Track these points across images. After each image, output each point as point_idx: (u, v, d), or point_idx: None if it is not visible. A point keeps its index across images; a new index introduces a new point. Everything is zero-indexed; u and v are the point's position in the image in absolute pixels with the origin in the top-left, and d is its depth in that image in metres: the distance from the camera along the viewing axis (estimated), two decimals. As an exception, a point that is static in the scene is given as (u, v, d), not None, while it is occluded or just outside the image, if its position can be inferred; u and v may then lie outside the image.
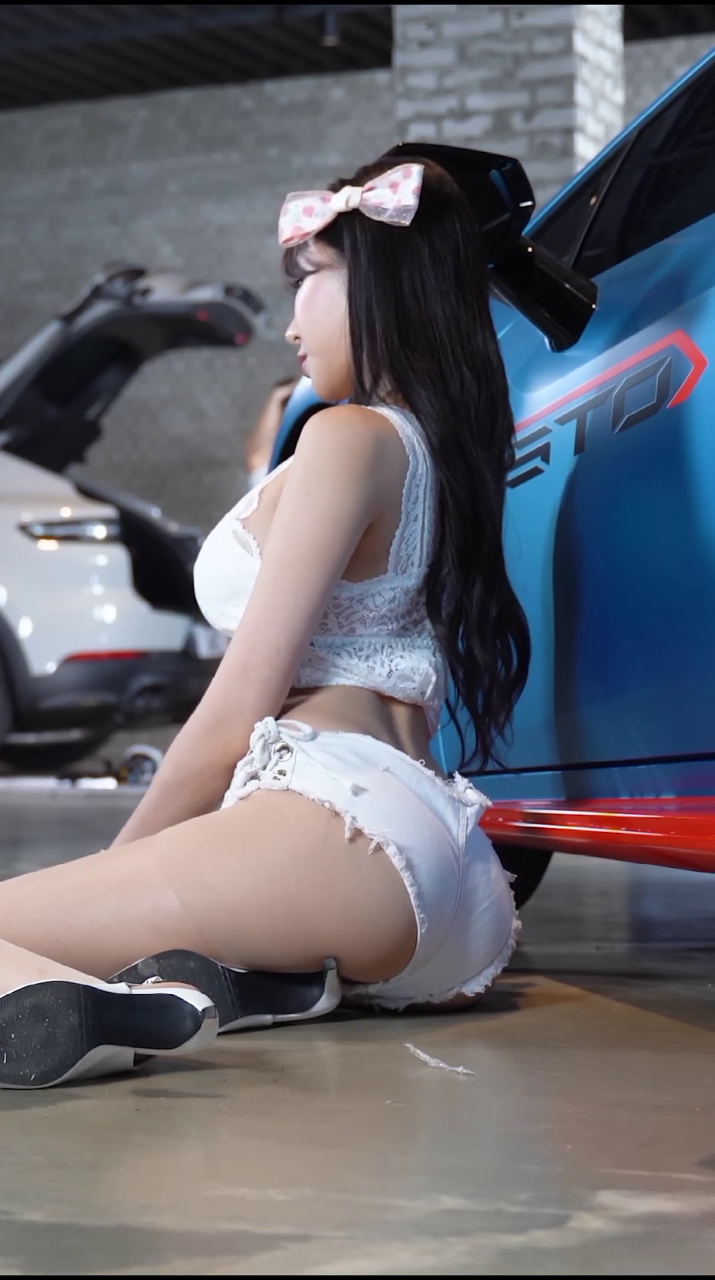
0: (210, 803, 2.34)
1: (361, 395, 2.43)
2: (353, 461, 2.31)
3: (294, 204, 2.45)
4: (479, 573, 2.40)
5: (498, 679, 2.45)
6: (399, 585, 2.37)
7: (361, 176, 2.46)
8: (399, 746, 2.35)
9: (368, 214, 2.40)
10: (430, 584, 2.38)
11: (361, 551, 2.35)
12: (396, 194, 2.38)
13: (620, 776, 2.51)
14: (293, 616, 2.30)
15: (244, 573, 2.39)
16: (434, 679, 2.40)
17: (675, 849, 2.30)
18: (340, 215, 2.42)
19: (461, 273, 2.42)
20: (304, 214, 2.43)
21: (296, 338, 2.51)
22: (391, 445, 2.34)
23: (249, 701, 2.30)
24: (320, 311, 2.46)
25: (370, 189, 2.40)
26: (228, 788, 2.32)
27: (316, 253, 2.45)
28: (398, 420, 2.37)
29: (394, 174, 2.40)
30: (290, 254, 2.48)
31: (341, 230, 2.42)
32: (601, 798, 2.57)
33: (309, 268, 2.46)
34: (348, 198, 2.41)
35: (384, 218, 2.38)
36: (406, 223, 2.38)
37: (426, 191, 2.41)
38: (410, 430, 2.38)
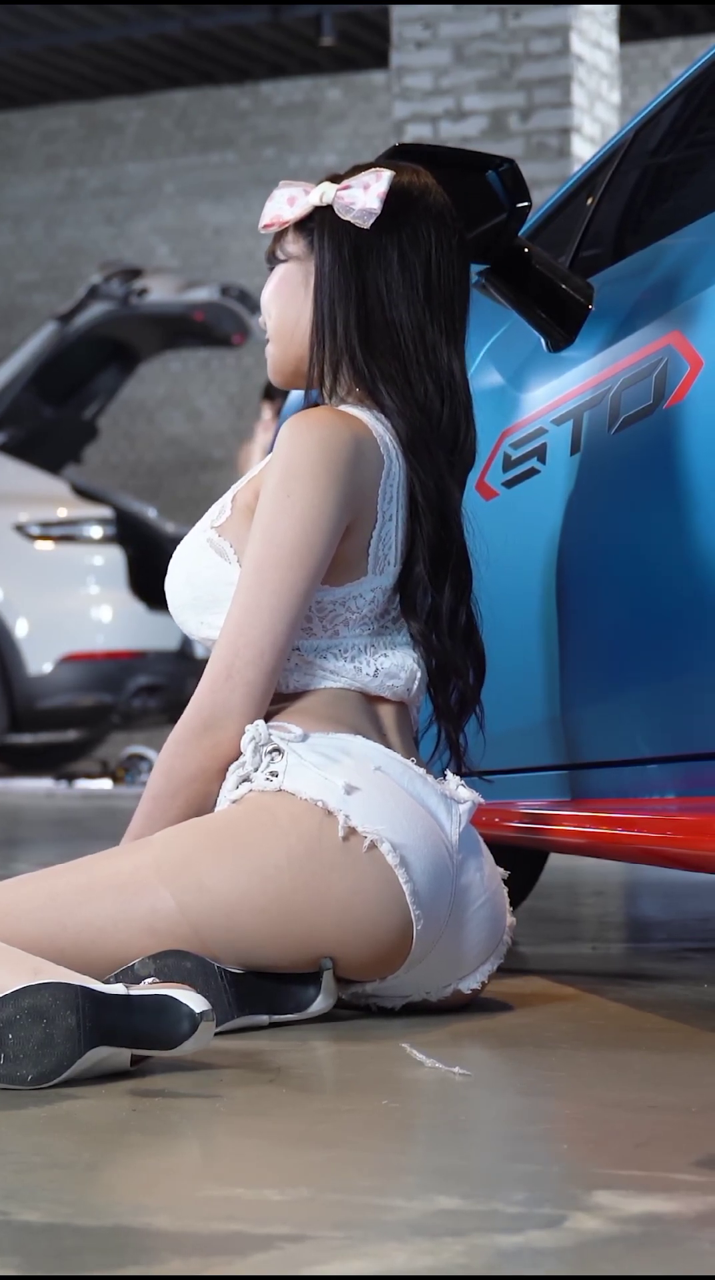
0: (205, 809, 2.33)
1: (320, 391, 2.44)
2: (331, 463, 2.31)
3: (281, 192, 2.47)
4: (450, 576, 2.40)
5: (469, 684, 2.45)
6: (378, 585, 2.37)
7: (348, 175, 2.46)
8: (388, 745, 2.35)
9: (338, 212, 2.41)
10: (404, 582, 2.38)
11: (342, 554, 2.35)
12: (365, 195, 2.39)
13: (617, 777, 2.51)
14: (275, 619, 2.30)
15: (223, 580, 2.38)
16: (419, 675, 2.40)
17: (673, 849, 2.30)
18: (316, 210, 2.43)
19: (431, 285, 2.41)
20: (287, 203, 2.46)
21: (265, 323, 2.53)
22: (367, 446, 2.35)
23: (235, 704, 2.30)
24: (283, 299, 2.48)
25: (346, 187, 2.42)
26: (217, 790, 2.32)
27: (291, 243, 2.47)
28: (370, 420, 2.38)
29: (368, 175, 2.41)
30: (274, 241, 2.50)
31: (315, 224, 2.44)
32: (599, 798, 2.57)
33: (282, 257, 2.48)
34: (323, 193, 2.43)
35: (350, 217, 2.39)
36: (366, 225, 2.39)
37: (403, 198, 2.41)
38: (382, 429, 2.38)
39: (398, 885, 2.21)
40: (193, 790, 2.32)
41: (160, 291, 9.65)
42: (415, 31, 8.45)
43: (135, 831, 2.34)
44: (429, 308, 2.41)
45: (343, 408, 2.40)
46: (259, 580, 2.30)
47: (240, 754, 2.29)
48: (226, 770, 2.31)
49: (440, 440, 2.41)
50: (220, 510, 2.43)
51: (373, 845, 2.21)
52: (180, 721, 2.33)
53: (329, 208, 2.42)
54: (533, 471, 2.70)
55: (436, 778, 2.34)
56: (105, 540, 8.76)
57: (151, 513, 9.83)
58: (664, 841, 2.30)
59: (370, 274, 2.41)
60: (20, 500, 8.81)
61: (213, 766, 2.31)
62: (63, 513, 8.78)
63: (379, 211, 2.38)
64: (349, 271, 2.41)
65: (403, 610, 2.40)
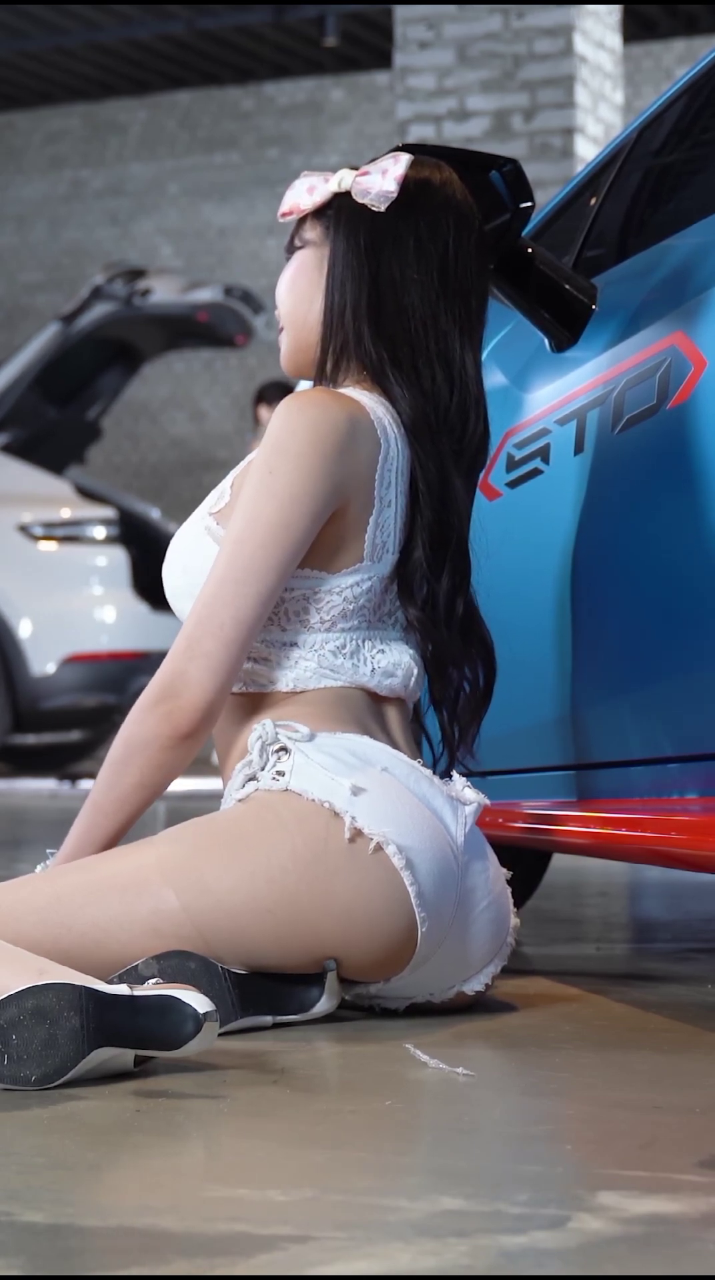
0: (160, 782, 2.30)
1: (322, 378, 2.43)
2: (319, 442, 2.30)
3: (300, 182, 2.48)
4: (448, 563, 2.40)
5: (469, 677, 2.44)
6: (376, 574, 2.36)
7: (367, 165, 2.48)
8: (393, 745, 2.34)
9: (356, 196, 2.41)
10: (402, 568, 2.38)
11: (338, 539, 2.34)
12: (383, 179, 2.40)
13: (621, 777, 2.50)
14: (241, 593, 2.28)
15: None
16: (415, 671, 2.40)
17: (677, 850, 2.30)
18: (335, 196, 2.44)
19: (447, 275, 2.41)
20: (306, 192, 2.46)
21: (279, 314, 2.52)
22: (362, 428, 2.34)
23: (192, 674, 2.28)
24: (298, 285, 2.47)
25: (364, 173, 2.42)
26: (178, 768, 2.30)
27: (308, 230, 2.47)
28: (369, 402, 2.37)
29: (386, 160, 2.42)
30: (293, 231, 2.50)
31: (332, 211, 2.44)
32: (602, 798, 2.57)
33: (299, 244, 2.48)
34: (342, 179, 2.44)
35: (367, 200, 2.40)
36: (382, 208, 2.39)
37: (425, 188, 2.41)
38: (382, 412, 2.37)
39: (403, 887, 2.21)
40: (145, 758, 2.30)
41: (163, 292, 9.65)
42: (418, 32, 8.45)
43: (93, 799, 2.33)
44: (444, 296, 2.41)
45: (343, 390, 2.39)
46: (233, 554, 2.29)
47: (196, 726, 2.27)
48: (183, 741, 2.28)
49: (446, 429, 2.40)
50: (219, 496, 2.42)
51: (379, 847, 2.21)
52: (142, 693, 2.33)
53: (347, 194, 2.43)
54: (536, 472, 2.70)
55: (442, 779, 2.34)
56: (109, 541, 8.76)
57: (155, 513, 9.84)
58: (668, 842, 2.30)
59: (384, 259, 2.40)
60: (23, 501, 8.81)
61: (165, 733, 2.28)
62: (66, 513, 8.78)
63: (396, 194, 2.39)
64: (363, 255, 2.40)
65: (400, 596, 2.38)
